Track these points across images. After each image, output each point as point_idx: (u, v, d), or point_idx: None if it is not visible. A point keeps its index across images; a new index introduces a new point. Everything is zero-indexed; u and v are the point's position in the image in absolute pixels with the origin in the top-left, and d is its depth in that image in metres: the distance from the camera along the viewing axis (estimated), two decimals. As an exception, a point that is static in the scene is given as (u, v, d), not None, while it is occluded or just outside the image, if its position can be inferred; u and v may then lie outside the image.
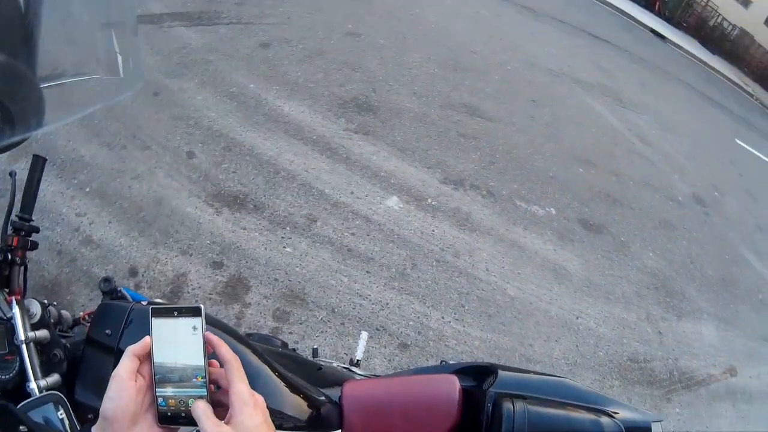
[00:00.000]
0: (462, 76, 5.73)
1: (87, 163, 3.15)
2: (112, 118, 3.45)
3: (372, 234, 3.45)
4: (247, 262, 3.01)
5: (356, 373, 1.58)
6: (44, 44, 1.07)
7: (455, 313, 3.22)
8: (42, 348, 0.89)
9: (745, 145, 10.21)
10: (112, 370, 0.85)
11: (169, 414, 0.64)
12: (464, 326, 3.17)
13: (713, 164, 7.98)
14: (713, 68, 16.63)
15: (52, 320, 0.96)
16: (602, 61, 8.98)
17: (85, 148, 3.22)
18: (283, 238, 3.20)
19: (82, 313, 1.10)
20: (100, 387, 0.82)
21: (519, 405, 0.96)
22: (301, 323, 2.82)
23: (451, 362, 1.38)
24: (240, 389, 0.62)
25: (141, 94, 3.69)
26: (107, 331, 0.92)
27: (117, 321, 0.92)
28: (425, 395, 1.06)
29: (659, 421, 1.08)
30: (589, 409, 1.03)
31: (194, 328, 0.64)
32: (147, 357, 0.65)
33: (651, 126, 7.55)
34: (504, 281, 3.58)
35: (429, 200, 3.88)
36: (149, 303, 0.99)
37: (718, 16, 22.55)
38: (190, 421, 0.62)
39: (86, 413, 0.86)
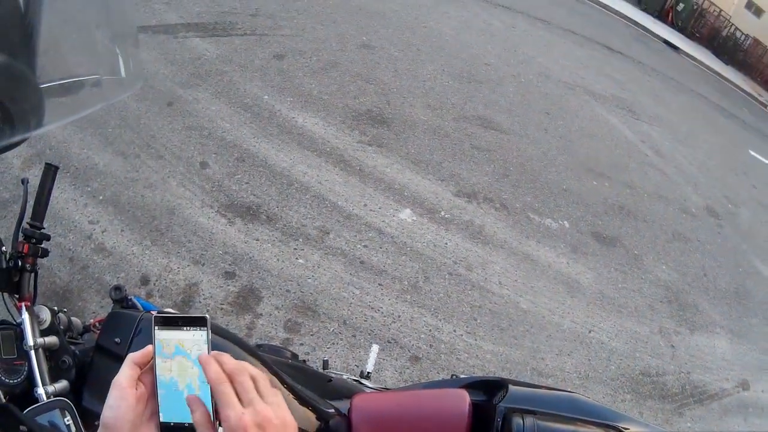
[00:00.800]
0: (476, 88, 5.73)
1: (101, 172, 3.18)
2: (126, 127, 3.49)
3: (385, 246, 3.44)
4: (259, 272, 3.01)
5: (366, 386, 1.58)
6: (44, 44, 1.09)
7: (467, 327, 3.20)
8: (51, 354, 0.89)
9: (759, 156, 10.11)
10: None
11: (171, 425, 0.63)
12: (476, 339, 3.15)
13: (727, 175, 7.90)
14: (726, 79, 16.51)
15: (61, 327, 0.97)
16: (616, 72, 8.95)
17: (99, 157, 3.25)
18: (295, 249, 3.20)
19: (92, 321, 1.10)
20: (106, 394, 0.86)
21: (529, 420, 0.95)
22: (312, 335, 2.81)
23: (461, 376, 1.38)
24: (226, 416, 0.58)
25: (155, 104, 3.73)
26: (116, 340, 0.92)
27: (126, 330, 0.93)
28: (435, 409, 1.06)
29: None
30: (599, 425, 1.02)
31: (200, 339, 0.63)
32: (148, 365, 0.64)
33: (664, 138, 7.50)
34: (517, 294, 3.56)
35: (442, 213, 3.87)
36: (159, 312, 1.00)
37: (731, 26, 22.37)
38: None
39: (93, 420, 0.85)
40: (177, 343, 0.63)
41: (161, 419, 0.63)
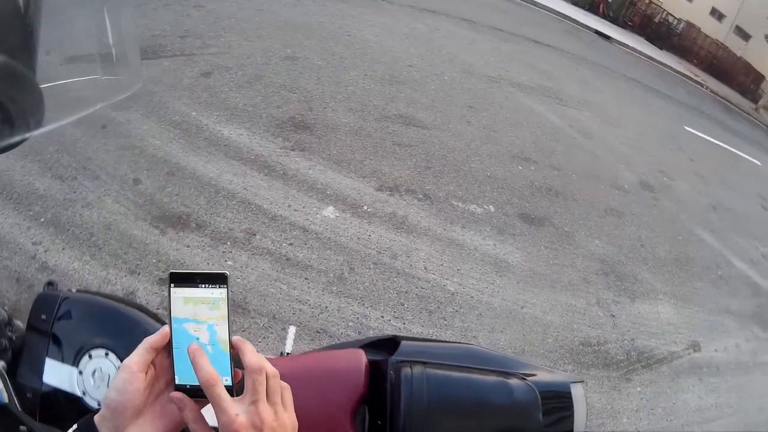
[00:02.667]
0: (398, 89, 5.92)
1: (41, 195, 3.27)
2: (64, 151, 3.58)
3: (309, 243, 3.57)
4: (190, 276, 3.11)
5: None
6: (44, 44, 1.10)
7: (395, 312, 3.33)
8: None
9: (695, 131, 10.60)
10: (46, 352, 0.96)
11: (188, 387, 0.63)
12: (404, 323, 3.28)
13: (661, 152, 8.27)
14: (661, 63, 17.23)
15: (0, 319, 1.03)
16: (542, 64, 9.27)
17: (40, 181, 3.35)
18: (224, 252, 3.31)
19: None
20: (35, 367, 0.96)
21: (417, 369, 0.98)
22: (243, 330, 2.91)
23: (359, 339, 1.40)
24: (255, 408, 0.60)
25: (90, 128, 3.81)
26: (42, 317, 1.01)
27: (51, 307, 1.02)
28: (332, 370, 1.07)
29: (580, 382, 1.09)
30: (497, 373, 1.04)
31: (219, 297, 0.63)
32: (164, 349, 0.64)
33: (593, 121, 7.81)
34: (443, 278, 3.71)
35: (365, 207, 4.02)
36: (78, 290, 1.07)
37: (663, 11, 23.41)
38: None
39: (25, 393, 0.94)
40: (194, 301, 0.63)
41: (176, 382, 0.64)
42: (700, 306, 4.94)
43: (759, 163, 11.81)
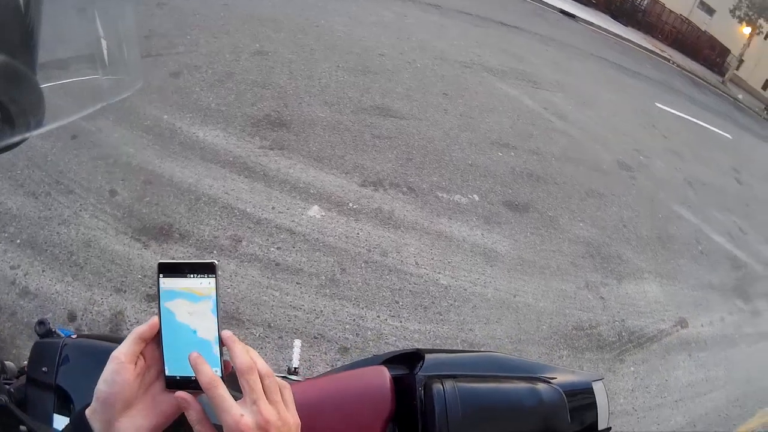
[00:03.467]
0: (371, 80, 5.91)
1: (15, 215, 3.16)
2: (34, 166, 3.46)
3: (297, 245, 3.54)
4: (178, 290, 3.06)
5: (293, 380, 1.64)
6: (44, 44, 1.10)
7: (390, 310, 3.34)
8: None
9: (666, 108, 10.80)
10: (53, 407, 0.90)
11: (177, 378, 0.63)
12: (401, 321, 3.30)
13: (635, 130, 8.43)
14: (627, 40, 17.50)
15: None
16: (512, 47, 9.35)
17: (12, 200, 3.23)
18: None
19: (26, 362, 1.10)
20: (44, 426, 0.90)
21: (449, 384, 0.98)
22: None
23: (378, 355, 1.40)
24: (252, 409, 0.60)
25: (60, 139, 3.70)
26: (44, 369, 0.96)
27: (51, 357, 0.97)
28: (358, 389, 1.07)
29: (600, 380, 1.12)
30: (524, 379, 1.06)
31: (207, 286, 0.63)
32: (153, 339, 0.64)
33: (567, 103, 7.91)
34: (435, 272, 3.73)
35: (350, 204, 4.01)
36: (79, 335, 1.04)
37: (627, -12, 23.72)
38: (199, 386, 0.60)
39: None
40: (183, 291, 0.63)
41: (166, 373, 0.63)
42: (684, 282, 5.08)
43: (730, 137, 12.11)
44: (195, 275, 0.63)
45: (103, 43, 1.25)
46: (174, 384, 0.63)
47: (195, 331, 0.63)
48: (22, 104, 1.09)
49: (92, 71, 1.25)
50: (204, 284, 0.63)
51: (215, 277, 0.63)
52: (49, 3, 1.15)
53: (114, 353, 0.60)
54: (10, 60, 1.07)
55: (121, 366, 0.59)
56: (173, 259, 0.60)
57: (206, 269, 0.63)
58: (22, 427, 0.78)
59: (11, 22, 1.08)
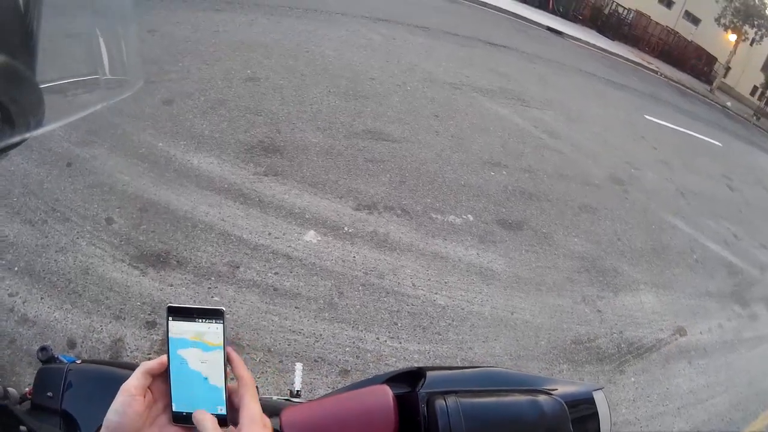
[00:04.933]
0: (363, 104, 6.00)
1: (12, 243, 3.20)
2: (30, 194, 3.51)
3: (295, 270, 3.59)
4: (177, 317, 3.10)
5: (296, 403, 1.65)
6: (44, 44, 1.13)
7: (389, 332, 3.39)
8: None
9: (655, 119, 10.96)
10: (61, 431, 0.92)
11: (184, 414, 0.67)
12: (400, 342, 3.35)
13: (625, 144, 8.55)
14: (614, 53, 17.73)
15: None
16: (500, 66, 9.50)
17: (9, 228, 3.26)
18: (209, 288, 3.30)
19: (27, 389, 1.11)
20: None
21: (451, 399, 0.98)
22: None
23: (380, 374, 1.47)
24: (252, 408, 0.66)
25: (55, 167, 3.73)
26: (49, 394, 0.98)
27: (56, 383, 0.99)
28: (361, 409, 1.06)
29: (600, 389, 1.12)
30: (525, 392, 1.07)
31: (215, 331, 0.67)
32: (161, 376, 0.67)
33: (557, 120, 8.04)
34: (432, 293, 3.79)
35: (345, 228, 4.07)
36: (83, 361, 1.06)
37: (612, 2, 24.09)
38: None
39: None
40: (191, 335, 0.67)
41: (174, 409, 0.67)
42: (681, 291, 5.16)
43: (720, 144, 12.29)
44: (203, 320, 0.67)
45: (103, 42, 1.28)
46: (180, 418, 0.67)
47: (206, 378, 0.68)
48: (22, 104, 1.12)
49: (92, 72, 1.28)
50: (212, 328, 0.67)
51: (223, 322, 0.67)
52: (49, 3, 1.18)
53: (124, 386, 0.64)
54: (10, 60, 1.10)
55: (131, 398, 0.63)
56: (183, 304, 0.65)
57: (214, 315, 0.67)
58: (22, 428, 0.80)
59: (11, 23, 1.11)
